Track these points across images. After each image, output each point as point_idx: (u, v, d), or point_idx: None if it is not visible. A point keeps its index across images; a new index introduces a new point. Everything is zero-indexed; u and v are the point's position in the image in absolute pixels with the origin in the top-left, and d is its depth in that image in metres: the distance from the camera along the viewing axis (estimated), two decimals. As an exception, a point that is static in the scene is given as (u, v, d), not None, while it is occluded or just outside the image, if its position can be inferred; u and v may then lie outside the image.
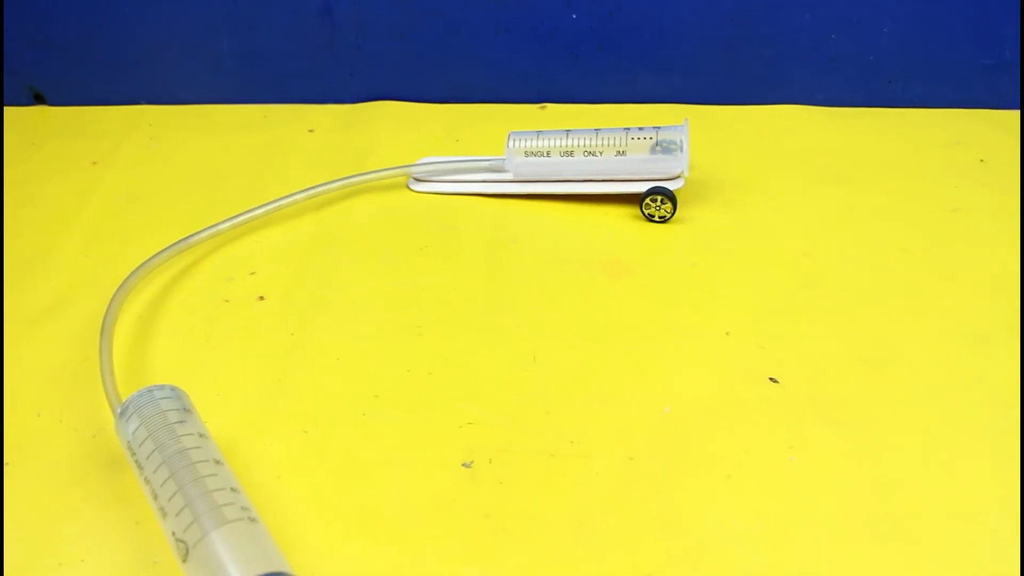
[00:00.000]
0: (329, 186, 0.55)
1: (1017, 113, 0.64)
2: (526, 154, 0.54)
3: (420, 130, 0.65)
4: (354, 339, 0.45)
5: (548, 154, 0.54)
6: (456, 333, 0.45)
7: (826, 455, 0.37)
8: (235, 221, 0.52)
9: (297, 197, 0.54)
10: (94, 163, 0.62)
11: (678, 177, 0.53)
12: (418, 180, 0.58)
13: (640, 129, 0.54)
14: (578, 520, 0.35)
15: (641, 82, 0.66)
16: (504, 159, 0.55)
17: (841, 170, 0.58)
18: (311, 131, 0.65)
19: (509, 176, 0.56)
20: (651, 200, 0.52)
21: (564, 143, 0.54)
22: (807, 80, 0.65)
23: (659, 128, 0.54)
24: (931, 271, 0.48)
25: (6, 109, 0.69)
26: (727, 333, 0.44)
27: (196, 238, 0.50)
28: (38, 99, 0.70)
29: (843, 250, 0.50)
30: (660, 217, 0.53)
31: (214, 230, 0.51)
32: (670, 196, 0.52)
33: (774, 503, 0.35)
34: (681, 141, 0.53)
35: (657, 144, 0.53)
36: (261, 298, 0.48)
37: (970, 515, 0.35)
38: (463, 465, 0.37)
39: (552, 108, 0.67)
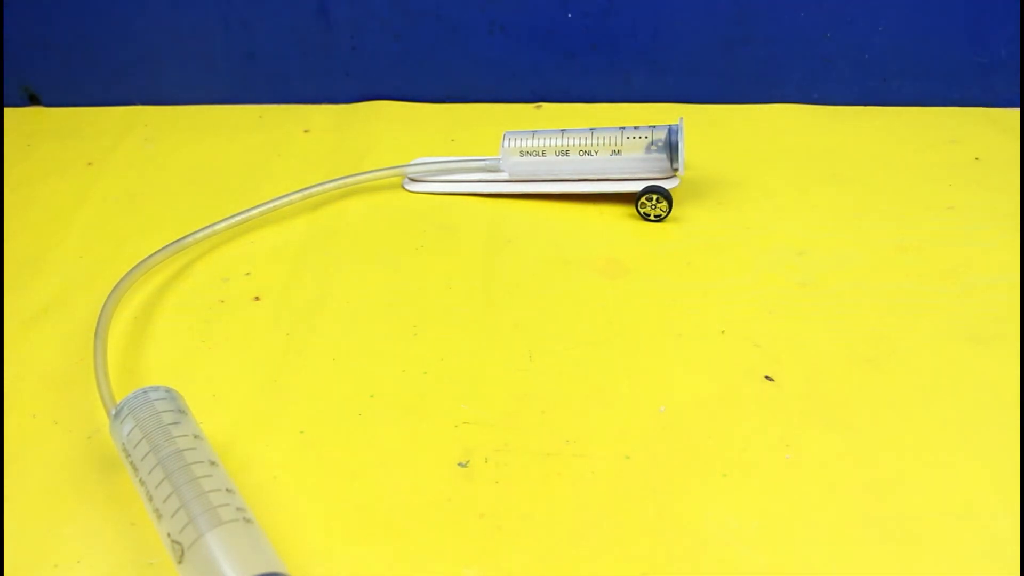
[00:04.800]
0: (324, 186, 0.55)
1: (1012, 111, 0.64)
2: (521, 153, 0.55)
3: (416, 130, 0.65)
4: (350, 339, 0.45)
5: (543, 153, 0.54)
6: (452, 333, 0.45)
7: (822, 454, 0.37)
8: (230, 222, 0.52)
9: (292, 197, 0.54)
10: (89, 164, 0.61)
11: (673, 176, 0.53)
12: (413, 180, 0.58)
13: (635, 128, 0.54)
14: (574, 519, 0.35)
15: (635, 81, 0.66)
16: (499, 159, 0.55)
17: (836, 168, 0.58)
18: (307, 131, 0.65)
19: (505, 176, 0.56)
20: (646, 199, 0.52)
21: (559, 142, 0.54)
22: (802, 79, 0.65)
23: (654, 127, 0.54)
24: (927, 269, 0.48)
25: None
26: (722, 332, 0.44)
27: (191, 239, 0.50)
28: (33, 100, 0.70)
29: (838, 248, 0.50)
30: (656, 216, 0.53)
31: (209, 231, 0.51)
32: (665, 195, 0.52)
33: (770, 502, 0.35)
34: (676, 140, 0.53)
35: (652, 143, 0.53)
36: (257, 299, 0.48)
37: (970, 515, 0.34)
38: (459, 465, 0.37)
39: (547, 108, 0.67)
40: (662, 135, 0.53)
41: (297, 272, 0.50)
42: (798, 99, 0.66)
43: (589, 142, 0.54)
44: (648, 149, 0.53)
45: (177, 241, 0.50)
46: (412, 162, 0.59)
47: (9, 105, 0.69)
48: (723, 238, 0.52)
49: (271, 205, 0.53)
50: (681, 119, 0.54)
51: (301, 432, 0.39)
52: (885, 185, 0.56)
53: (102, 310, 0.44)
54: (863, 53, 0.64)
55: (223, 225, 0.52)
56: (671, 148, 0.53)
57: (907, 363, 0.42)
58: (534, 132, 0.55)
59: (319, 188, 0.55)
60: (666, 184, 0.53)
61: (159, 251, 0.49)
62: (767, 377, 0.41)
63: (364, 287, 0.49)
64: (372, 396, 0.41)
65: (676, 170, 0.53)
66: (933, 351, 0.43)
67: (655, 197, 0.52)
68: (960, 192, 0.55)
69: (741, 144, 0.62)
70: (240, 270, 0.50)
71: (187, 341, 0.45)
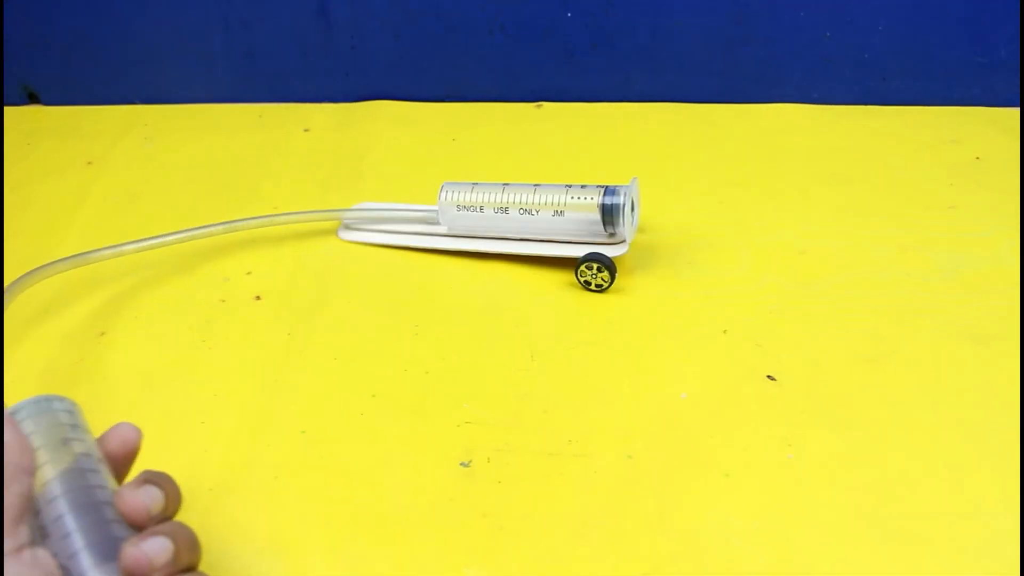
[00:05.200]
0: (249, 222, 0.51)
1: (1012, 111, 0.64)
2: (458, 208, 0.49)
3: (416, 130, 0.65)
4: (351, 338, 0.45)
5: (482, 209, 0.49)
6: (453, 332, 0.45)
7: (824, 453, 0.37)
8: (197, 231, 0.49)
9: (214, 228, 0.50)
10: (89, 163, 0.61)
11: (622, 242, 0.48)
12: (348, 228, 0.53)
13: (583, 187, 0.48)
14: (577, 518, 0.35)
15: (635, 80, 0.66)
16: (437, 210, 0.50)
17: (836, 168, 0.58)
18: (307, 130, 0.65)
19: (444, 229, 0.51)
20: (586, 267, 0.47)
21: (499, 198, 0.49)
22: (802, 78, 0.65)
23: (604, 187, 0.47)
24: (928, 269, 0.48)
25: None
26: (724, 331, 0.44)
27: (188, 234, 0.50)
28: (32, 98, 0.69)
29: (840, 248, 0.50)
30: (596, 286, 0.47)
31: (205, 231, 0.50)
32: (608, 264, 0.46)
33: (772, 501, 0.35)
34: (623, 204, 0.47)
35: (600, 206, 0.47)
36: (258, 298, 0.48)
37: (970, 514, 0.35)
38: (461, 464, 0.37)
39: (548, 107, 0.67)
40: (612, 199, 0.47)
41: (298, 271, 0.50)
42: (798, 99, 0.66)
43: (531, 199, 0.48)
44: (596, 210, 0.47)
45: (174, 233, 0.49)
46: (354, 207, 0.55)
47: (9, 104, 0.69)
48: (724, 238, 0.51)
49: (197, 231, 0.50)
50: (635, 179, 0.49)
51: (303, 432, 0.39)
52: (885, 184, 0.56)
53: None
54: (863, 53, 0.64)
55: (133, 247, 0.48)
56: (613, 211, 0.47)
57: (908, 363, 0.42)
58: (474, 185, 0.49)
59: (245, 223, 0.50)
60: (613, 251, 0.47)
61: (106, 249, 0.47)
62: (769, 377, 0.41)
63: (366, 286, 0.49)
64: (374, 396, 0.41)
65: (612, 234, 0.47)
66: (933, 351, 0.43)
67: (595, 266, 0.46)
68: (961, 192, 0.55)
69: (741, 144, 0.62)
70: (241, 269, 0.50)
71: (188, 340, 0.45)
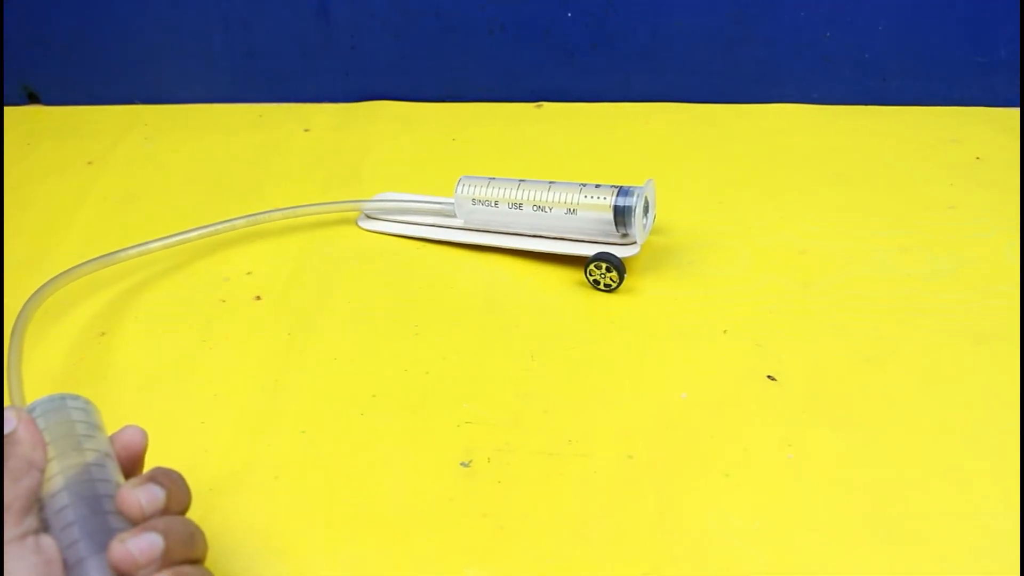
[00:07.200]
0: (272, 214, 0.52)
1: (1012, 111, 0.64)
2: (474, 202, 0.50)
3: (416, 130, 0.65)
4: (351, 339, 0.45)
5: (496, 204, 0.50)
6: (453, 332, 0.45)
7: (824, 453, 0.37)
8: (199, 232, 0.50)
9: (237, 222, 0.51)
10: (89, 163, 0.61)
11: (633, 243, 0.48)
12: (369, 217, 0.54)
13: (597, 187, 0.48)
14: (577, 518, 0.35)
15: (635, 80, 0.66)
16: (454, 203, 0.51)
17: (837, 168, 0.58)
18: (307, 130, 0.65)
19: (460, 223, 0.52)
20: (595, 267, 0.47)
21: (514, 194, 0.49)
22: (802, 78, 0.65)
23: (618, 187, 0.48)
24: (928, 269, 0.48)
25: None
26: (724, 331, 0.44)
27: (188, 235, 0.50)
28: (32, 98, 0.69)
29: (840, 248, 0.50)
30: (605, 286, 0.47)
31: (205, 231, 0.50)
32: (616, 264, 0.46)
33: (772, 500, 0.35)
34: (635, 206, 0.47)
35: (613, 206, 0.47)
36: (258, 298, 0.48)
37: (969, 514, 0.35)
38: (461, 464, 0.37)
39: (548, 107, 0.67)
40: (624, 201, 0.47)
41: (298, 271, 0.50)
42: (798, 99, 0.66)
43: (545, 197, 0.48)
44: (608, 210, 0.47)
45: (173, 236, 0.49)
46: (374, 197, 0.56)
47: (9, 104, 0.69)
48: (724, 238, 0.51)
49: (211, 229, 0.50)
50: (650, 180, 0.49)
51: (302, 432, 0.39)
52: (886, 185, 0.56)
53: (20, 313, 0.42)
54: (863, 53, 0.64)
55: (196, 234, 0.50)
56: (625, 213, 0.47)
57: (908, 363, 0.42)
58: (490, 180, 0.50)
59: (267, 215, 0.52)
60: (624, 251, 0.47)
61: (89, 261, 0.47)
62: (769, 377, 0.41)
63: (366, 286, 0.49)
64: (374, 396, 0.41)
65: (624, 235, 0.48)
66: (934, 351, 0.43)
67: (604, 265, 0.46)
68: (961, 192, 0.55)
69: (741, 144, 0.62)
70: (241, 269, 0.50)
71: (188, 340, 0.45)
